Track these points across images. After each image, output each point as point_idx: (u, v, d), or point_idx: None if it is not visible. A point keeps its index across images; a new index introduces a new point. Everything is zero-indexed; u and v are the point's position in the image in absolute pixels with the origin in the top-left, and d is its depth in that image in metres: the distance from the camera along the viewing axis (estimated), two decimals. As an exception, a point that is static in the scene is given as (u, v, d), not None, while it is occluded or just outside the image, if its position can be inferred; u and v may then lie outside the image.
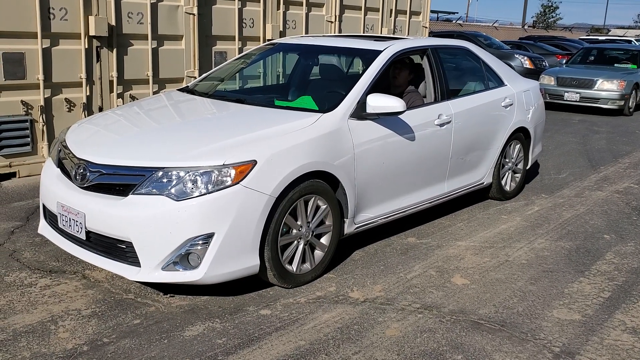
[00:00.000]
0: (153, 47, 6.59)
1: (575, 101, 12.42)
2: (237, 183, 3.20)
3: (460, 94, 5.10)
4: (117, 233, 3.22)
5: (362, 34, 9.17)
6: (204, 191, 3.15)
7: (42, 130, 5.83)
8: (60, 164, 3.71)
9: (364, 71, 4.25)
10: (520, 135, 5.68)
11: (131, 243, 3.18)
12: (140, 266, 3.20)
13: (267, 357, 2.88)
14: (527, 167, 5.99)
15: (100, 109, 6.21)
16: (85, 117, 5.99)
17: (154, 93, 6.60)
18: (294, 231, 3.57)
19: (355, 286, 3.71)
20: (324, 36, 5.41)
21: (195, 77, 6.77)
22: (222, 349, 2.93)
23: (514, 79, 5.75)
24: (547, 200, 5.78)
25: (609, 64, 13.77)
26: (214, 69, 5.31)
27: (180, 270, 3.20)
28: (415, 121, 4.35)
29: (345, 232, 3.95)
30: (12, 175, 5.71)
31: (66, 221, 3.44)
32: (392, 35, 6.36)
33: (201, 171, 3.19)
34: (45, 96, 5.80)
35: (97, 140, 3.76)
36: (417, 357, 2.94)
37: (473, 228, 4.90)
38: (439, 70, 4.81)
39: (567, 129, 10.34)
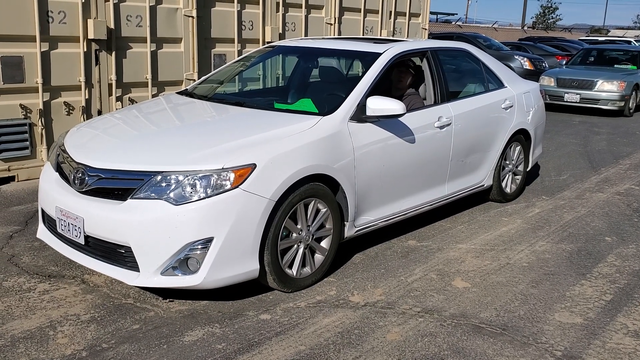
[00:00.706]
0: (152, 50, 6.57)
1: (576, 102, 12.41)
2: (237, 187, 3.18)
3: (460, 96, 5.09)
4: (115, 238, 3.20)
5: (361, 36, 9.16)
6: (203, 195, 3.13)
7: (41, 134, 5.81)
8: (59, 168, 3.69)
9: (363, 74, 4.24)
10: (521, 137, 5.67)
11: (130, 248, 3.17)
12: (139, 271, 3.19)
13: (267, 362, 2.86)
14: (528, 169, 5.98)
15: (99, 113, 6.20)
16: (84, 120, 5.97)
17: (153, 96, 6.58)
18: (294, 235, 3.55)
19: (355, 290, 3.69)
20: (323, 38, 5.39)
21: (194, 80, 6.76)
22: (221, 354, 2.91)
23: (514, 81, 5.73)
24: (547, 202, 5.76)
25: (608, 64, 13.76)
26: (213, 72, 5.29)
27: (180, 275, 3.19)
28: (416, 123, 4.34)
29: (345, 236, 3.93)
30: (11, 179, 5.70)
31: (65, 226, 3.42)
32: (391, 38, 6.35)
33: (200, 175, 3.17)
34: (44, 100, 5.79)
35: (95, 144, 3.74)
36: (418, 362, 2.92)
37: (474, 230, 4.88)
38: (439, 72, 4.80)
39: (568, 130, 10.33)
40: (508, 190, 5.68)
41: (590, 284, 3.91)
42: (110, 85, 6.27)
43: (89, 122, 4.26)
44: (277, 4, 7.92)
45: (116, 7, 6.18)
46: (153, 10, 6.52)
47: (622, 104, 12.17)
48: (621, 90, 12.10)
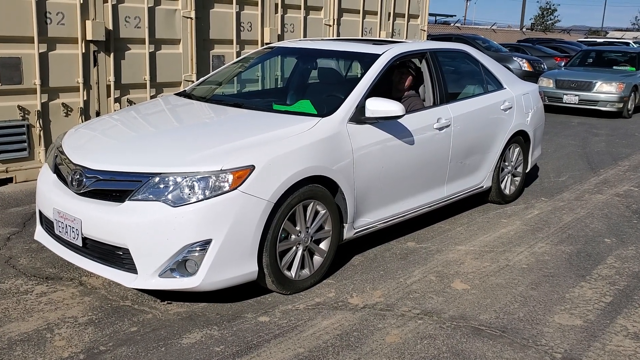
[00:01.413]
0: (150, 51, 6.56)
1: (574, 104, 12.42)
2: (235, 188, 3.17)
3: (460, 98, 5.08)
4: (113, 239, 3.18)
5: (360, 37, 9.15)
6: (201, 197, 3.12)
7: (39, 136, 5.80)
8: (56, 170, 3.68)
9: (362, 75, 4.23)
10: (520, 138, 5.66)
11: (128, 249, 3.15)
12: (137, 273, 3.17)
13: (266, 365, 2.85)
14: (527, 171, 5.97)
15: (98, 114, 6.19)
16: (82, 122, 5.95)
17: (152, 97, 6.57)
18: (293, 237, 3.53)
19: (354, 292, 3.67)
20: (322, 40, 5.39)
21: (192, 81, 6.74)
22: (220, 357, 2.89)
23: (513, 82, 5.73)
24: (547, 204, 5.75)
25: (607, 66, 13.76)
26: (211, 73, 5.28)
27: (178, 277, 3.17)
28: (415, 125, 4.33)
29: (344, 237, 3.92)
30: (9, 180, 5.68)
31: (62, 227, 3.40)
32: (390, 39, 6.34)
33: (198, 177, 3.16)
34: (42, 101, 5.77)
35: (93, 145, 3.73)
36: (417, 364, 2.91)
37: (473, 232, 4.87)
38: (438, 73, 4.79)
39: (566, 132, 10.33)
40: (507, 191, 5.68)
41: (590, 286, 3.90)
42: (108, 86, 6.26)
43: (87, 124, 4.24)
44: (276, 5, 7.92)
45: (115, 8, 6.17)
46: (151, 11, 6.51)
47: (621, 105, 12.18)
48: (620, 92, 12.11)
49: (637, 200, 6.01)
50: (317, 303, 3.50)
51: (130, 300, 3.44)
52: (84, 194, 3.34)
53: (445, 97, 4.78)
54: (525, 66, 15.17)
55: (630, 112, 12.57)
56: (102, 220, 3.20)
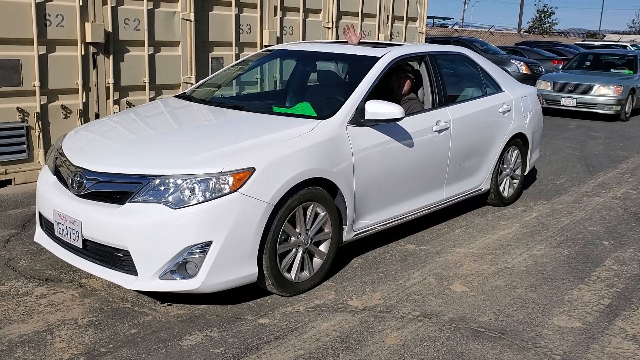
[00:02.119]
0: (150, 53, 6.56)
1: (572, 106, 12.45)
2: (235, 191, 3.17)
3: (458, 100, 5.10)
4: (113, 241, 3.19)
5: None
6: (201, 199, 3.13)
7: (38, 137, 5.80)
8: (56, 172, 3.68)
9: (362, 78, 4.23)
10: (518, 141, 5.67)
11: (128, 251, 3.16)
12: (137, 275, 3.17)
13: (266, 366, 2.85)
14: (525, 173, 5.99)
15: (97, 116, 6.19)
16: (81, 124, 5.95)
17: (151, 99, 6.57)
18: (293, 239, 3.54)
19: (354, 294, 3.68)
20: (321, 42, 5.40)
21: (192, 84, 6.75)
22: (220, 359, 2.90)
23: (511, 85, 5.74)
24: (545, 206, 5.76)
25: (605, 69, 13.80)
26: (211, 75, 5.28)
27: (178, 279, 3.17)
28: (414, 128, 4.34)
29: (344, 239, 3.93)
30: (8, 182, 5.68)
31: (62, 229, 3.40)
32: (389, 42, 6.35)
33: (199, 179, 3.16)
34: (42, 103, 5.77)
35: (93, 147, 3.73)
36: (417, 366, 2.92)
37: (472, 234, 4.88)
38: (437, 76, 4.81)
39: (564, 135, 10.35)
40: (506, 194, 5.69)
41: (589, 288, 3.91)
42: (107, 88, 6.26)
43: (87, 126, 4.25)
44: (275, 7, 7.93)
45: (114, 11, 6.18)
46: (151, 13, 6.52)
47: (619, 108, 12.21)
48: (617, 95, 12.14)
49: (635, 203, 6.03)
50: (316, 305, 3.51)
51: (131, 302, 3.44)
52: (84, 196, 3.34)
53: (444, 99, 4.79)
54: (523, 69, 15.20)
55: (627, 115, 12.60)
56: (103, 222, 3.20)
